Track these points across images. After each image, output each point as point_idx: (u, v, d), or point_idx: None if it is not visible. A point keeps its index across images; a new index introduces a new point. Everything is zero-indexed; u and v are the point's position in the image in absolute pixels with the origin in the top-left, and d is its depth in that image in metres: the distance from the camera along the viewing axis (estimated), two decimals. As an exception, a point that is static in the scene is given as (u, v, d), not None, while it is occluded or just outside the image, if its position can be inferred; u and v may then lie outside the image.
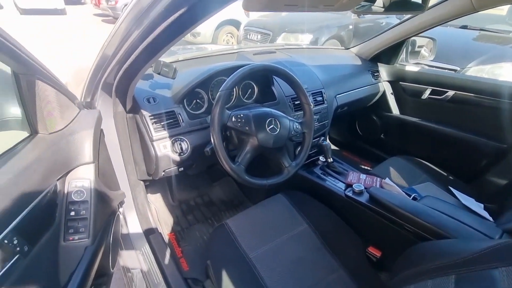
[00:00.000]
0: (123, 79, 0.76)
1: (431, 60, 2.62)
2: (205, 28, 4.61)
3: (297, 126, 0.94)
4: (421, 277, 0.51)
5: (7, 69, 0.56)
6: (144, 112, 0.86)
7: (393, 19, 4.04)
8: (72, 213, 0.64)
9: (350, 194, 1.02)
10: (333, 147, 2.05)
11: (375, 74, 1.61)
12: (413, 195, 1.00)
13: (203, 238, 1.27)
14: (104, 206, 0.76)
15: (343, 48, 1.75)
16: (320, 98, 1.25)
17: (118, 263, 1.00)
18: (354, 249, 0.91)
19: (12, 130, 0.62)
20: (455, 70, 2.55)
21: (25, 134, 0.63)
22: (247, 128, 0.83)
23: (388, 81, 1.66)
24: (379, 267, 0.95)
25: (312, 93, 1.22)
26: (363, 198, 0.99)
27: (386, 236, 0.95)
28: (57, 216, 0.62)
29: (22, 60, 0.49)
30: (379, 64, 1.66)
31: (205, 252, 1.20)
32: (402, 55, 1.61)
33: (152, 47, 0.62)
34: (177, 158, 0.90)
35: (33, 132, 0.62)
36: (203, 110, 1.02)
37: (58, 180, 0.62)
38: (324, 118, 1.27)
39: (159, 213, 1.36)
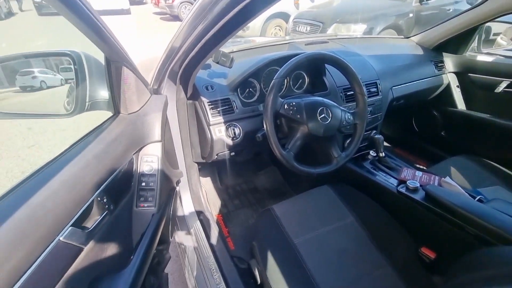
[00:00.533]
0: (187, 68, 0.83)
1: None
2: (254, 21, 4.67)
3: (349, 117, 0.92)
4: (481, 284, 0.47)
5: (100, 58, 0.67)
6: (203, 99, 0.93)
7: (463, 4, 3.58)
8: (143, 184, 0.74)
9: (403, 190, 0.97)
10: (384, 143, 1.93)
11: (439, 65, 1.47)
12: (478, 197, 0.90)
13: (247, 222, 1.33)
14: (167, 181, 0.85)
15: (403, 37, 1.63)
16: (375, 89, 1.20)
17: (174, 235, 1.11)
18: (405, 247, 0.87)
19: (101, 110, 0.73)
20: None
21: (109, 113, 0.74)
22: (298, 116, 0.84)
23: (454, 73, 1.50)
24: (432, 269, 0.89)
25: (366, 84, 1.17)
26: (418, 196, 0.93)
27: (443, 237, 0.89)
28: (132, 185, 0.72)
29: (114, 48, 0.59)
30: (444, 54, 1.50)
31: (249, 234, 1.26)
32: (473, 44, 1.43)
33: (214, 39, 0.68)
34: (230, 142, 0.96)
35: (116, 112, 0.73)
36: (255, 98, 1.06)
37: (134, 154, 0.72)
38: (377, 110, 1.21)
39: (208, 195, 1.46)
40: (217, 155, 1.00)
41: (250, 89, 1.05)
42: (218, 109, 0.94)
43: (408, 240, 0.89)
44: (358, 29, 3.49)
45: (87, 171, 0.54)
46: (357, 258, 0.83)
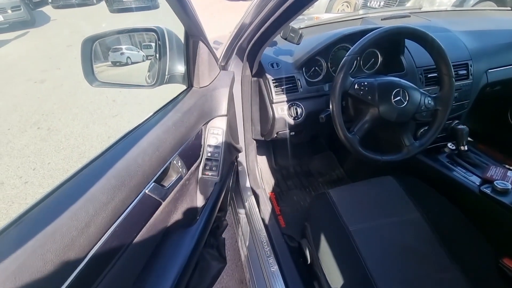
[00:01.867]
0: (255, 44, 0.84)
1: None
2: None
3: (430, 102, 0.81)
4: None
5: (179, 35, 0.72)
6: (268, 76, 0.93)
7: None
8: (209, 154, 0.80)
9: (487, 191, 0.83)
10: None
11: (559, 44, 1.16)
12: None
13: (299, 203, 1.34)
14: (230, 154, 0.90)
15: (509, 8, 1.32)
16: (464, 72, 1.02)
17: (230, 205, 1.19)
18: (481, 255, 0.76)
19: (177, 84, 0.80)
20: None
21: (183, 87, 0.81)
22: (369, 97, 0.78)
23: None
24: None
25: (454, 65, 1.00)
26: (508, 200, 0.80)
27: (535, 250, 0.75)
28: (200, 154, 0.79)
29: (195, 23, 0.62)
30: None
31: (301, 216, 1.27)
32: None
33: (285, 14, 0.66)
34: (291, 121, 0.95)
35: (190, 85, 0.78)
36: (320, 78, 1.02)
37: (203, 125, 0.77)
38: (464, 97, 1.04)
39: (263, 173, 1.50)
40: (277, 133, 1.01)
41: (316, 67, 1.01)
42: (282, 87, 0.93)
43: (487, 247, 0.77)
44: (445, 2, 2.96)
45: (167, 135, 0.61)
46: (420, 257, 0.76)
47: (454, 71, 1.02)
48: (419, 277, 0.71)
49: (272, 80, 0.93)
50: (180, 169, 0.65)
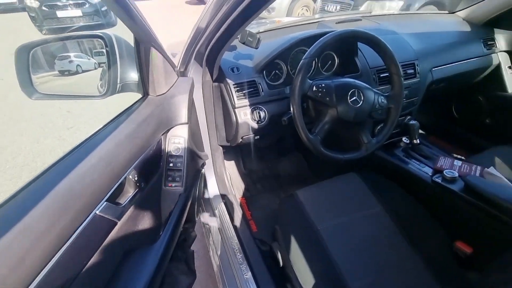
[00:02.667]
0: (213, 49, 0.82)
1: None
2: (280, 2, 4.51)
3: (383, 100, 0.86)
4: None
5: (130, 41, 0.68)
6: (229, 81, 0.92)
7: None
8: (171, 164, 0.77)
9: (439, 180, 0.90)
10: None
11: (489, 43, 1.31)
12: (528, 191, 0.82)
13: (270, 206, 1.34)
14: (194, 162, 0.87)
15: (447, 12, 1.47)
16: (412, 71, 1.10)
17: (200, 215, 1.15)
18: (437, 240, 0.82)
19: (131, 92, 0.75)
20: None
21: (139, 95, 0.76)
22: (327, 98, 0.80)
23: (507, 52, 1.33)
24: (467, 265, 0.84)
25: (402, 65, 1.08)
26: (456, 187, 0.87)
27: (482, 232, 0.82)
28: (161, 165, 0.75)
29: (144, 29, 0.59)
30: (495, 30, 1.34)
31: (272, 218, 1.27)
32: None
33: (240, 18, 0.66)
34: (255, 125, 0.95)
35: (145, 93, 0.74)
36: (281, 81, 1.03)
37: (162, 135, 0.74)
38: (414, 94, 1.13)
39: (232, 179, 1.48)
40: (242, 138, 1.00)
41: (277, 71, 1.02)
42: (244, 92, 0.93)
43: (442, 233, 0.84)
44: (394, 6, 3.22)
45: (120, 149, 0.57)
46: (384, 248, 0.79)
47: (403, 71, 1.10)
48: (383, 267, 0.74)
49: (233, 85, 0.92)
50: (138, 184, 0.61)
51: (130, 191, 0.60)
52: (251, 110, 0.94)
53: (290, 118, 0.85)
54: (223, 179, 1.18)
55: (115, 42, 0.68)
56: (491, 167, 0.93)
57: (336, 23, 1.22)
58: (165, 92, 0.76)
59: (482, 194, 0.79)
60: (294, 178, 1.52)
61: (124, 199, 0.58)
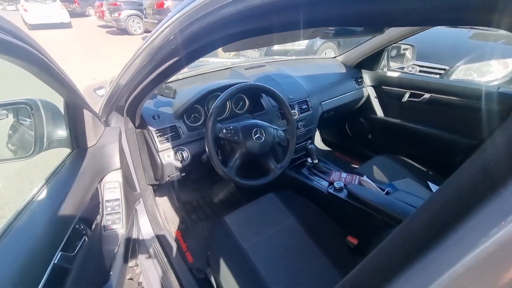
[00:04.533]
0: (133, 102, 0.92)
1: (420, 61, 2.72)
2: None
3: (281, 133, 1.09)
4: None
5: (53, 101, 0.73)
6: (151, 128, 1.02)
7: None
8: (109, 209, 0.82)
9: (331, 191, 1.16)
10: (326, 148, 2.19)
11: (359, 80, 1.75)
12: (386, 190, 1.14)
13: (205, 234, 1.43)
14: (130, 203, 0.93)
15: (331, 57, 1.90)
16: (305, 106, 1.40)
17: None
18: (335, 238, 1.05)
19: (57, 148, 0.78)
20: (444, 69, 2.67)
21: (67, 150, 0.80)
22: (236, 138, 0.98)
23: (372, 86, 1.80)
24: (356, 253, 1.09)
25: (297, 102, 1.37)
26: (343, 194, 1.14)
27: (362, 226, 1.09)
28: (100, 211, 0.80)
29: (74, 93, 0.66)
30: (363, 70, 1.80)
31: (206, 246, 1.36)
32: (384, 62, 1.74)
33: (160, 76, 0.76)
34: (179, 165, 1.06)
35: (76, 147, 0.79)
36: (200, 122, 1.18)
37: (98, 183, 0.79)
38: (309, 123, 1.42)
39: (166, 214, 1.52)
40: (168, 177, 1.09)
41: (196, 114, 1.17)
42: (166, 136, 1.04)
43: (338, 231, 1.07)
44: (301, 43, 3.85)
45: (65, 204, 0.63)
46: (298, 253, 0.98)
47: (299, 106, 1.39)
48: (299, 269, 0.91)
49: (155, 131, 1.03)
50: (84, 232, 0.66)
51: (78, 240, 0.65)
52: (174, 151, 1.05)
53: (208, 157, 0.99)
54: (155, 217, 1.22)
55: (41, 106, 0.71)
56: (364, 175, 1.25)
57: (245, 69, 1.46)
58: (95, 144, 0.83)
59: (357, 197, 1.07)
60: (226, 202, 1.65)
61: (75, 248, 0.63)
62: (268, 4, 0.40)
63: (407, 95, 1.63)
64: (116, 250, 0.81)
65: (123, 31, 8.55)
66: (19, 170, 2.29)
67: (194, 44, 0.57)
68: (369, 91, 1.79)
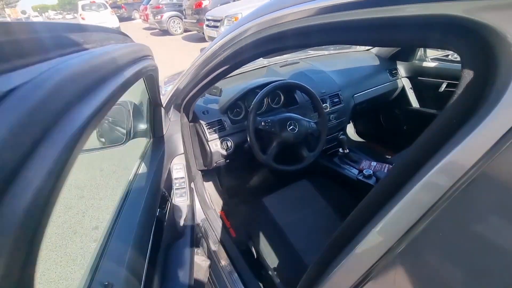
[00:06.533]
0: (189, 101, 1.13)
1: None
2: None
3: (313, 125, 1.21)
4: None
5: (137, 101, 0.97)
6: (202, 122, 1.23)
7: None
8: (177, 185, 1.06)
9: (361, 177, 1.26)
10: (360, 139, 2.23)
11: (393, 72, 1.77)
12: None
13: (244, 214, 1.62)
14: (190, 181, 1.16)
15: (365, 50, 1.93)
16: (337, 100, 1.49)
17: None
18: None
19: (139, 138, 1.02)
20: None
21: (145, 139, 1.04)
22: (273, 129, 1.14)
23: (407, 77, 1.80)
24: None
25: (329, 96, 1.46)
26: (372, 181, 1.23)
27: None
28: (172, 185, 1.04)
29: (159, 97, 0.90)
30: (397, 62, 1.81)
31: (247, 223, 1.55)
32: (420, 52, 1.73)
33: (213, 80, 0.95)
34: (224, 152, 1.25)
35: (152, 136, 1.02)
36: (241, 116, 1.35)
37: (170, 164, 1.03)
38: (341, 115, 1.51)
39: (212, 197, 1.74)
40: (215, 163, 1.29)
41: (237, 109, 1.35)
42: (214, 128, 1.24)
43: None
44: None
45: (157, 177, 0.88)
46: (328, 232, 1.11)
47: (331, 100, 1.49)
48: (324, 242, 1.05)
49: (205, 124, 1.23)
50: (168, 198, 0.94)
51: (165, 203, 0.91)
52: (221, 141, 1.25)
53: (249, 145, 1.16)
54: (204, 198, 1.44)
55: (129, 105, 0.94)
56: (394, 164, 1.31)
57: (280, 66, 1.60)
58: (164, 134, 1.06)
59: (385, 183, 1.15)
60: (264, 188, 1.82)
61: (164, 208, 0.89)
62: (303, 28, 0.53)
63: (444, 85, 1.61)
64: (185, 215, 1.05)
65: (165, 32, 9.16)
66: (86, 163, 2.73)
67: (238, 57, 0.73)
68: (404, 82, 1.80)
